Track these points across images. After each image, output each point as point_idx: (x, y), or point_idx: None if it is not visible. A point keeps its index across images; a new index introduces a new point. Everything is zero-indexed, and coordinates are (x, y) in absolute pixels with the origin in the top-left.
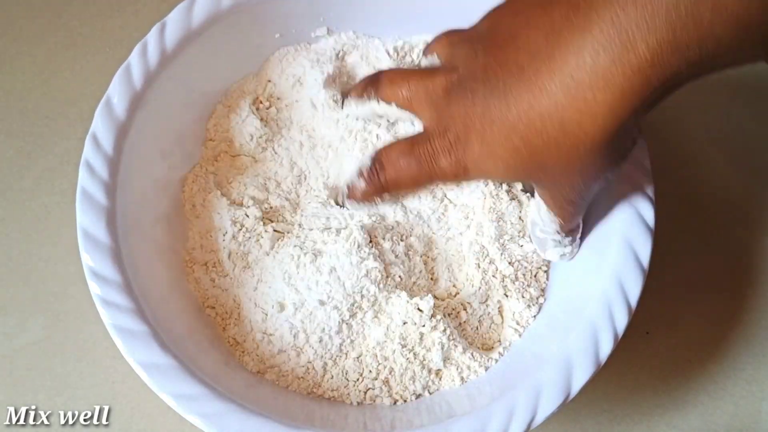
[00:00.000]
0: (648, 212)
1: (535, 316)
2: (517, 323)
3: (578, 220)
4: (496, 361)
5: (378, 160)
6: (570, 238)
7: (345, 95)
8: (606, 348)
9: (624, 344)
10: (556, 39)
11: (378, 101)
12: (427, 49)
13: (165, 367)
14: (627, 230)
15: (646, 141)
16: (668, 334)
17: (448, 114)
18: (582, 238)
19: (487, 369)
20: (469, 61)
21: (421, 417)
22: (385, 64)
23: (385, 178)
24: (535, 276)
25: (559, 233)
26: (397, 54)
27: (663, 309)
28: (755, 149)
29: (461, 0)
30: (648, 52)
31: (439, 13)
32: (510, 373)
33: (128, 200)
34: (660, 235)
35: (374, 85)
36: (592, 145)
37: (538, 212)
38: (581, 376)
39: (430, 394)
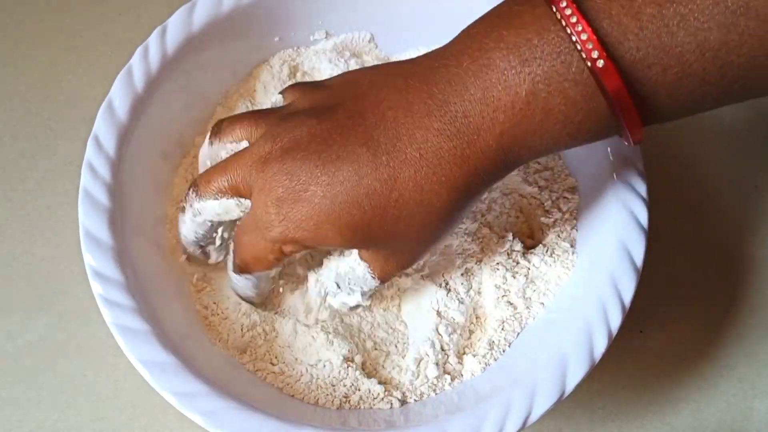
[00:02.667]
0: (642, 213)
1: (535, 317)
2: (518, 323)
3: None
4: (495, 360)
5: (233, 242)
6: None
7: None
8: (600, 346)
9: (618, 343)
10: (414, 123)
11: (204, 201)
12: (222, 133)
13: (166, 365)
14: (621, 231)
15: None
16: (661, 332)
17: (267, 184)
18: (578, 238)
19: (484, 368)
20: (300, 131)
21: (419, 415)
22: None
23: (240, 260)
24: (532, 277)
25: (368, 291)
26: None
27: (656, 308)
28: (748, 151)
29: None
30: (492, 140)
31: (436, 19)
32: (506, 371)
33: (130, 201)
34: (654, 236)
35: (193, 188)
36: (442, 217)
37: (351, 269)
38: (576, 374)
39: (429, 393)
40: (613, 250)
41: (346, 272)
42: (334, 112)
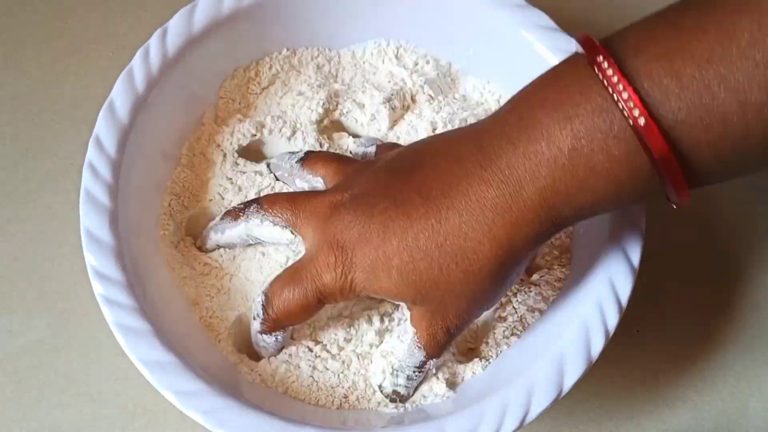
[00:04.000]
0: (639, 213)
1: (533, 317)
2: (515, 322)
3: (441, 355)
4: (494, 359)
5: (266, 295)
6: (418, 377)
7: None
8: (597, 346)
9: (615, 342)
10: (463, 172)
11: (260, 220)
12: (307, 164)
13: (166, 364)
14: (618, 231)
15: None
16: (658, 332)
17: (333, 228)
18: (575, 239)
19: (482, 368)
20: (368, 181)
21: (418, 414)
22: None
23: (275, 314)
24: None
25: (415, 369)
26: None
27: (653, 308)
28: None
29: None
30: (535, 193)
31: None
32: (504, 371)
33: (131, 201)
34: (650, 236)
35: (257, 204)
36: (484, 269)
37: (401, 344)
38: (573, 373)
39: (427, 392)
40: (610, 250)
41: (395, 348)
42: (399, 164)
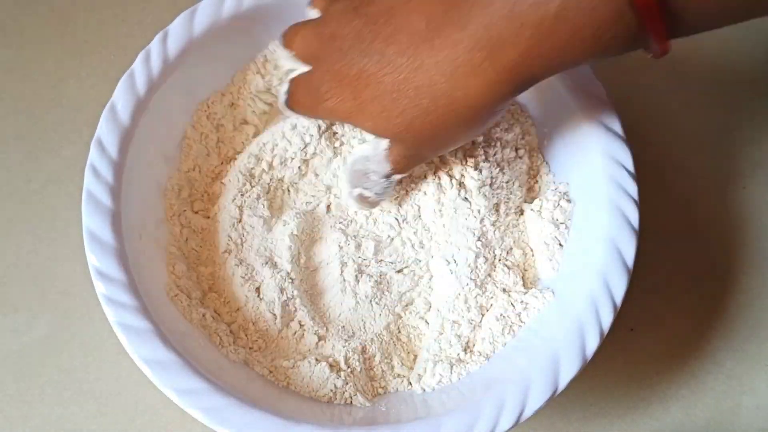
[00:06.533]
0: (632, 214)
1: (528, 317)
2: (512, 321)
3: (407, 172)
4: (489, 358)
5: (290, 81)
6: (385, 184)
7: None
8: (592, 344)
9: (609, 341)
10: (437, 28)
11: (282, 51)
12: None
13: (167, 363)
14: (612, 231)
15: (630, 144)
16: (652, 331)
17: (323, 67)
18: (570, 238)
19: (477, 367)
20: (343, 21)
21: (415, 412)
22: None
23: (290, 101)
24: (527, 277)
25: (383, 176)
26: None
27: (647, 307)
28: (737, 151)
29: None
30: (516, 54)
31: None
32: (499, 369)
33: (132, 202)
34: (644, 236)
35: (281, 38)
36: (459, 119)
37: (374, 150)
38: (568, 372)
39: (423, 390)
40: (604, 250)
41: (369, 152)
42: (369, 8)
